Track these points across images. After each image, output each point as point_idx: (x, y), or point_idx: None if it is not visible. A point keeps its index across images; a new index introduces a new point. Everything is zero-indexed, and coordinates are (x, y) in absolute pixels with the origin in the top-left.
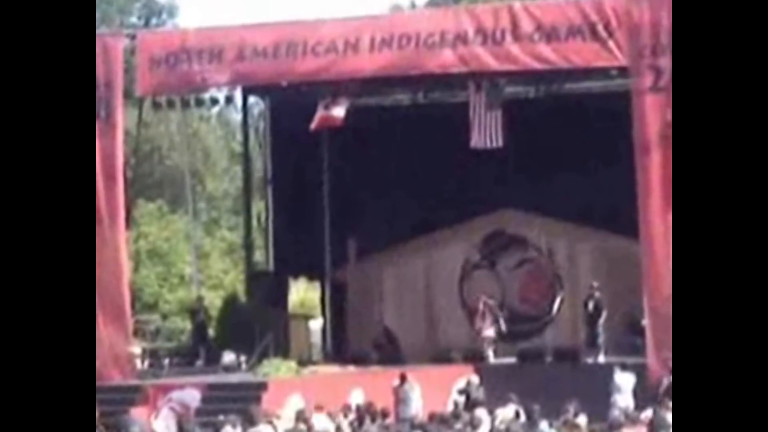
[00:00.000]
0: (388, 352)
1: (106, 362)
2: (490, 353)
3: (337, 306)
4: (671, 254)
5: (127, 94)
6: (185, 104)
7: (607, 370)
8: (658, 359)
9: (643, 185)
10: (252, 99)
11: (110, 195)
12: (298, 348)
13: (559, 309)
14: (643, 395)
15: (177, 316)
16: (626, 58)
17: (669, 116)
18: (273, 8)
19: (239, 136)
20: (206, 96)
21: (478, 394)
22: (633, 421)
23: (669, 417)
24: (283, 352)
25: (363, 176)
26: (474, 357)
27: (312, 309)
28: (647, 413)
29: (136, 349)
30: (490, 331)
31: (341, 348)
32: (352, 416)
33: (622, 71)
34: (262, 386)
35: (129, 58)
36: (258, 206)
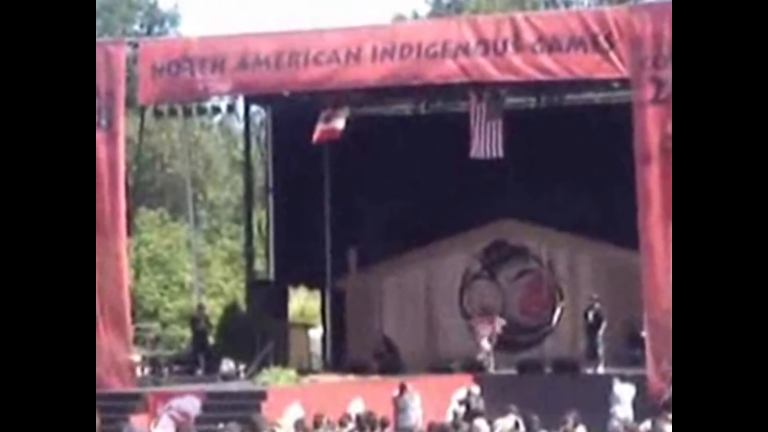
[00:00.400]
0: (388, 361)
1: (107, 369)
2: (491, 363)
3: (337, 315)
4: (671, 267)
5: (129, 103)
6: (187, 113)
7: (607, 381)
8: (658, 371)
9: (644, 197)
10: (254, 108)
11: (112, 202)
12: (298, 357)
13: (559, 320)
14: (642, 406)
15: (177, 324)
16: (628, 69)
17: (670, 128)
18: (275, 17)
19: (241, 145)
20: (208, 105)
21: (478, 404)
22: None
23: (668, 429)
24: (283, 360)
25: (364, 185)
26: (474, 367)
27: (312, 318)
28: (646, 425)
29: (136, 356)
30: (488, 342)
31: (341, 357)
32: (351, 425)
33: (624, 83)
34: (261, 395)
35: (131, 67)
36: (259, 215)
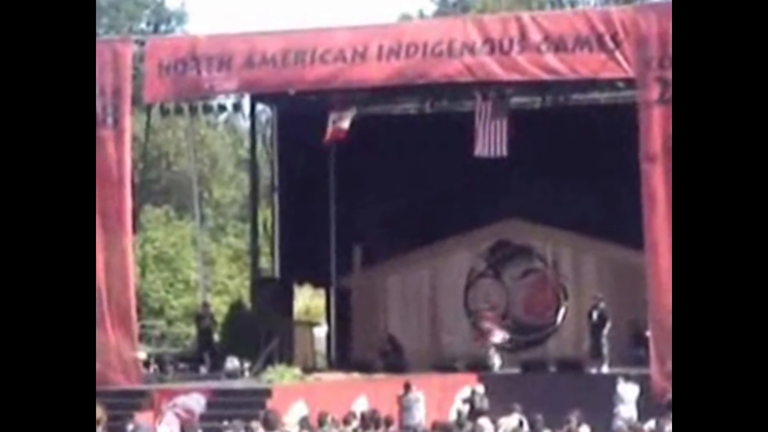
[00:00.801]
0: (393, 359)
1: (112, 367)
2: (496, 362)
3: (342, 313)
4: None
5: (136, 100)
6: (193, 111)
7: (611, 381)
8: (662, 371)
9: (649, 197)
10: (260, 106)
11: (118, 200)
12: (303, 355)
13: (563, 319)
14: (646, 406)
15: (182, 322)
16: (633, 69)
17: None
18: (282, 16)
19: (246, 143)
20: (214, 103)
21: (482, 403)
22: (636, 431)
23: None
24: (288, 358)
25: (369, 184)
26: (478, 366)
27: (317, 316)
28: (650, 424)
29: (142, 354)
30: (496, 338)
31: (346, 355)
32: (356, 424)
33: (629, 83)
34: (266, 392)
35: (138, 65)
36: (264, 213)
